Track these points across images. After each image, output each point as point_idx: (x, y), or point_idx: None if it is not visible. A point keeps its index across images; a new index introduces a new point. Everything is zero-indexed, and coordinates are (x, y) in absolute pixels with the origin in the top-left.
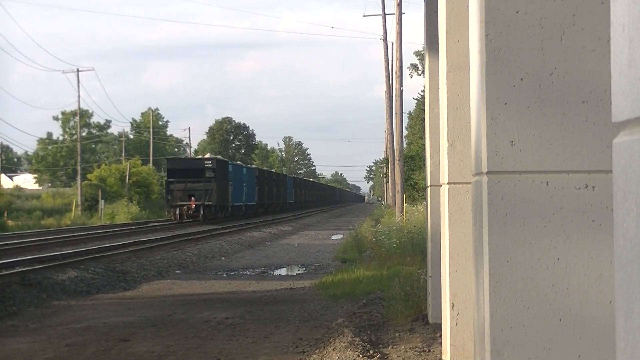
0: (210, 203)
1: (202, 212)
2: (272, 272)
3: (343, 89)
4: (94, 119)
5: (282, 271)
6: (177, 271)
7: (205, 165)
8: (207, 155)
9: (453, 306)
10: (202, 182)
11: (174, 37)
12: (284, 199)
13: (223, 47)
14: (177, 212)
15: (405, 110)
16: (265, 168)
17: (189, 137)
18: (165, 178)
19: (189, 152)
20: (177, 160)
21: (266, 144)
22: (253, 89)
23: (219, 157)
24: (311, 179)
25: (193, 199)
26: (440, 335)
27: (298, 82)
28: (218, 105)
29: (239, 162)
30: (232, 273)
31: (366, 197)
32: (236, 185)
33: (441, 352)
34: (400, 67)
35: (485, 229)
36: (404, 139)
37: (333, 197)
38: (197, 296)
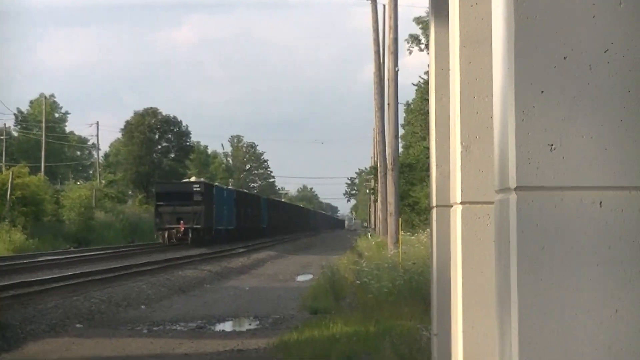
0: (198, 226)
1: (190, 235)
2: (213, 327)
3: (316, 70)
4: None
5: (227, 325)
6: (78, 325)
7: (194, 189)
8: (193, 179)
9: None
10: (190, 206)
11: None
12: (258, 223)
13: (150, 9)
14: (166, 235)
15: (402, 99)
16: (242, 190)
17: (97, 135)
18: (155, 201)
19: (96, 155)
20: (166, 184)
21: (206, 146)
22: (190, 69)
23: (204, 180)
24: (282, 200)
25: (182, 222)
26: None
27: (254, 60)
28: (140, 91)
29: (217, 183)
30: (155, 328)
31: (346, 222)
32: (219, 208)
33: None
34: (395, 40)
35: (514, 267)
36: (399, 140)
37: (308, 220)
38: None
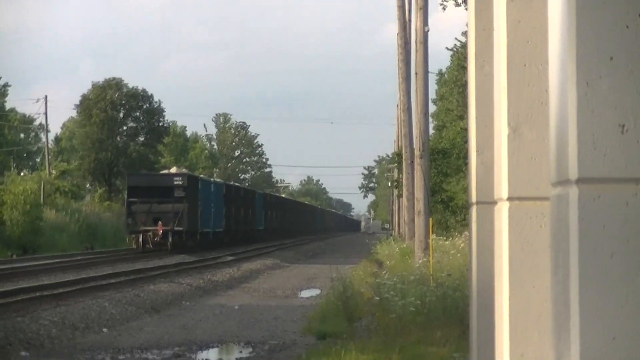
0: (180, 228)
1: (170, 239)
2: (194, 356)
3: (324, 32)
4: None
5: (212, 354)
6: (23, 353)
7: (175, 182)
8: (174, 170)
9: None
10: (171, 203)
11: None
12: (252, 224)
13: None
14: (140, 240)
15: (434, 68)
16: (233, 183)
17: (45, 113)
18: (126, 197)
19: (45, 139)
20: (140, 176)
21: (184, 127)
22: (164, 31)
23: (187, 171)
24: (282, 195)
25: (160, 223)
26: None
27: (245, 20)
28: (102, 60)
29: (202, 175)
30: (121, 357)
31: (363, 222)
32: (205, 206)
33: None
34: None
35: (575, 280)
36: (429, 120)
37: (314, 221)
38: None
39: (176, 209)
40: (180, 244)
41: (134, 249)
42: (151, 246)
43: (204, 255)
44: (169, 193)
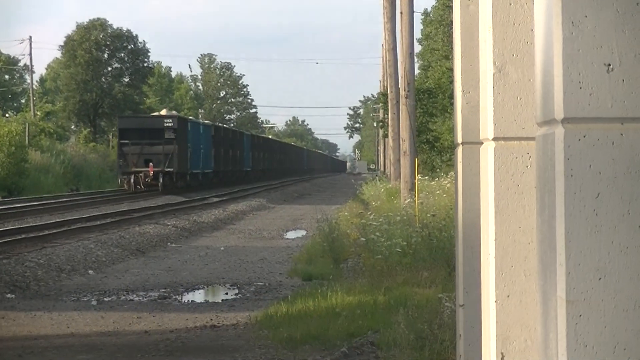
0: (170, 169)
1: (161, 180)
2: (180, 298)
3: None
4: None
5: (198, 295)
6: (9, 295)
7: (165, 124)
8: (164, 112)
9: (503, 358)
10: (161, 145)
11: None
12: (240, 165)
13: None
14: (132, 181)
15: (419, 7)
16: (221, 125)
17: (30, 54)
18: (117, 139)
19: (30, 80)
20: (131, 119)
21: (169, 68)
22: None
23: (176, 113)
24: (270, 137)
25: (151, 164)
26: None
27: None
28: (86, 1)
29: (191, 117)
30: (107, 299)
31: (349, 164)
32: (194, 148)
33: None
34: None
35: (561, 220)
36: (415, 60)
37: (301, 162)
38: (45, 340)
39: (167, 151)
40: (171, 185)
41: (126, 190)
42: (142, 187)
43: (190, 197)
44: (160, 135)
